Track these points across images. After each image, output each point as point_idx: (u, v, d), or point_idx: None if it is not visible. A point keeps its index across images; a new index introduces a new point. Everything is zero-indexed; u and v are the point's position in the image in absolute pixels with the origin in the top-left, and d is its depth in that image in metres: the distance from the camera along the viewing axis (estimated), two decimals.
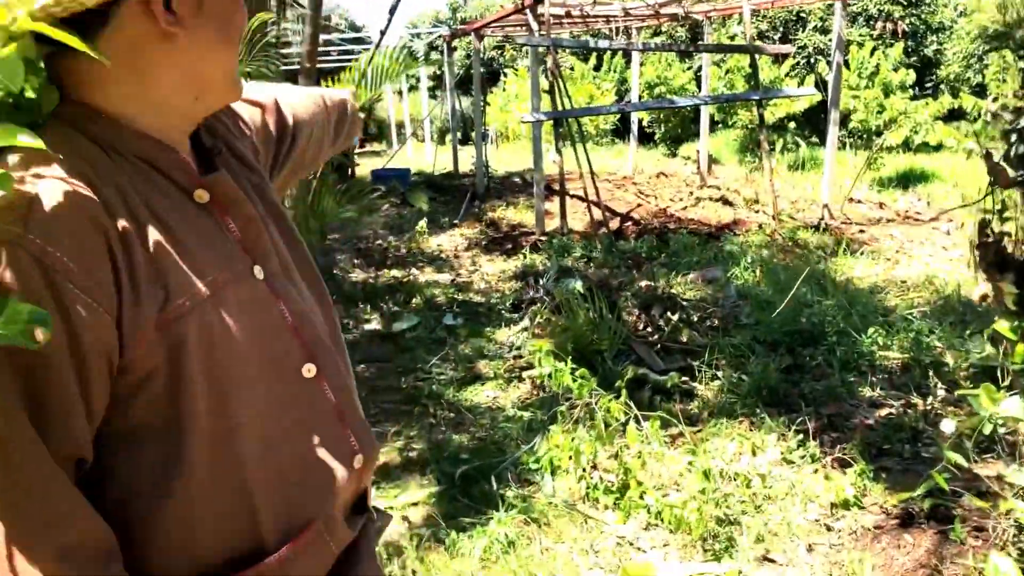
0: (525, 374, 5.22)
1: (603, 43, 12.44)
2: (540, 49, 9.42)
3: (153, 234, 0.97)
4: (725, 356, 5.35)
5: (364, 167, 16.26)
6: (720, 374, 5.10)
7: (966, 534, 3.25)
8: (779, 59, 17.27)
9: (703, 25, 13.87)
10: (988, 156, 3.80)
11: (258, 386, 1.04)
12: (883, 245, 8.66)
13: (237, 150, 1.22)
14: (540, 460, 3.87)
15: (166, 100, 1.04)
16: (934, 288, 6.73)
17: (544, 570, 3.14)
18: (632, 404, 4.12)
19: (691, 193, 12.60)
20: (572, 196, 10.98)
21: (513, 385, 5.16)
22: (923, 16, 18.81)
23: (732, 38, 19.46)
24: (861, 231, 9.45)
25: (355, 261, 8.57)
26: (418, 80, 24.45)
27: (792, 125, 17.95)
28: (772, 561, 3.29)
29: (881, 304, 6.33)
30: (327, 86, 4.94)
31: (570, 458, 3.84)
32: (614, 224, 10.27)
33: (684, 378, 5.01)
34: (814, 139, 17.70)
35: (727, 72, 19.05)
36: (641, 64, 21.26)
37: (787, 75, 18.02)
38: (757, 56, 10.76)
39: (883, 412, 4.67)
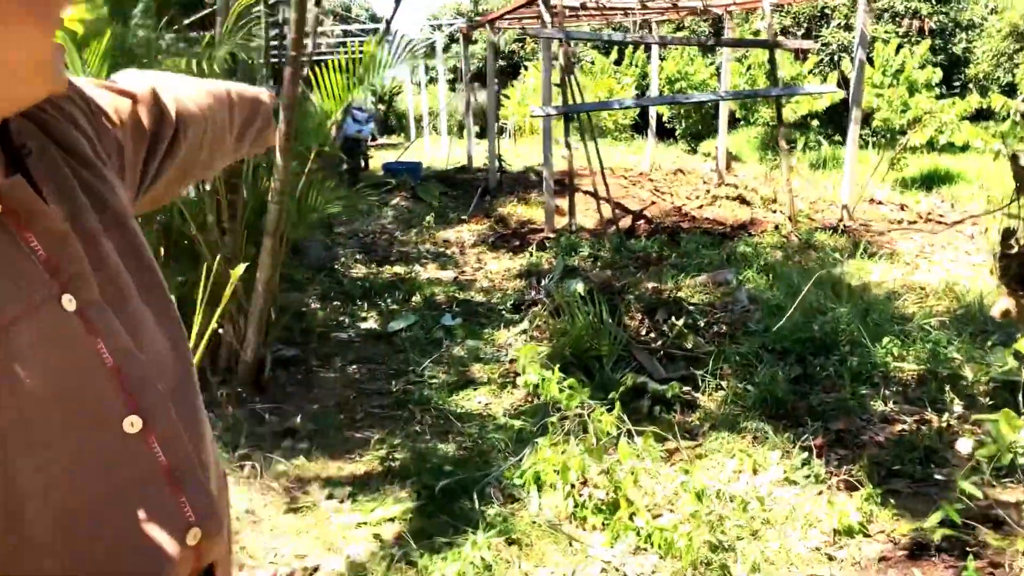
0: (519, 380, 5.00)
1: (616, 36, 12.16)
2: (552, 42, 9.18)
3: None
4: (731, 364, 5.11)
5: (381, 159, 16.11)
6: (724, 384, 4.86)
7: (981, 572, 3.00)
8: (801, 56, 16.90)
9: (724, 20, 13.55)
10: (1015, 159, 3.53)
11: (58, 446, 0.82)
12: (902, 248, 8.36)
13: (77, 150, 0.99)
14: (525, 475, 3.64)
15: None
16: (954, 296, 6.43)
17: None
18: (625, 417, 3.88)
19: (708, 191, 12.32)
20: (585, 192, 10.75)
21: (507, 391, 4.94)
22: (951, 13, 18.37)
23: (755, 33, 19.08)
24: (880, 234, 9.15)
25: (358, 256, 8.38)
26: (436, 72, 24.18)
27: (815, 123, 17.60)
28: None
29: (898, 312, 6.05)
30: (316, 76, 4.75)
31: (557, 472, 3.62)
32: (626, 222, 10.02)
33: (686, 388, 4.77)
34: (837, 137, 17.34)
35: (748, 68, 18.70)
36: (662, 59, 20.96)
37: (810, 72, 17.66)
38: (778, 52, 10.46)
39: (895, 428, 4.41)
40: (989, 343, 5.15)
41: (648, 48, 18.02)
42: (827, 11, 19.14)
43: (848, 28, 18.38)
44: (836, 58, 18.62)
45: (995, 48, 17.75)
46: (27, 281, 0.83)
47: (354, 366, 5.43)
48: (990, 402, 4.50)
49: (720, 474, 3.88)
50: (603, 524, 3.43)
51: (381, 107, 33.84)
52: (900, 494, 3.72)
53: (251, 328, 4.61)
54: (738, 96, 13.42)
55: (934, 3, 18.18)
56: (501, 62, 31.68)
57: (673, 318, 5.53)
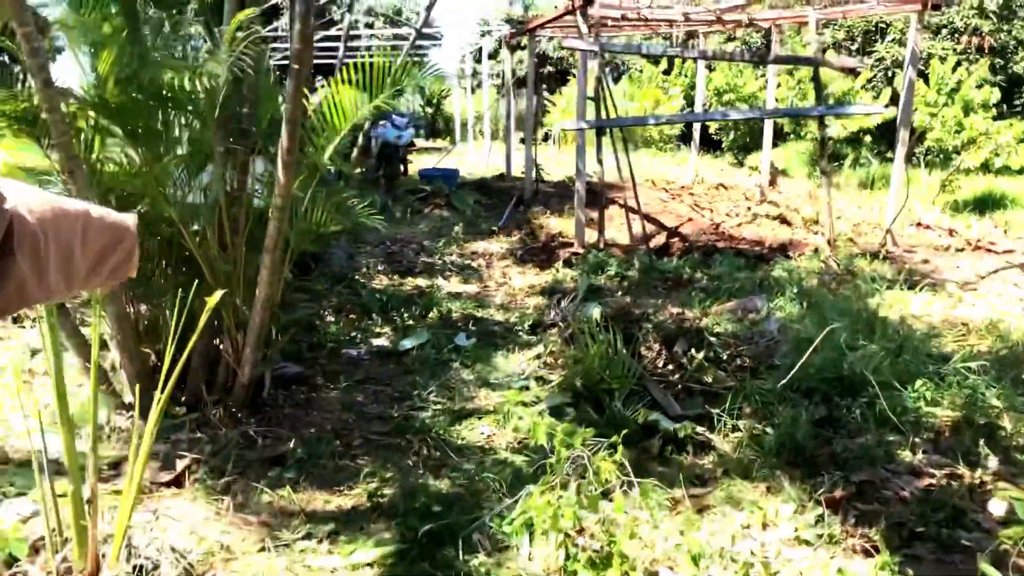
0: (528, 410, 4.78)
1: (655, 48, 11.82)
2: (588, 54, 8.95)
3: None
4: (751, 403, 4.83)
5: (424, 164, 16.02)
6: (742, 424, 4.59)
7: None
8: (852, 72, 16.42)
9: (772, 33, 13.19)
10: None
11: None
12: (947, 278, 7.96)
13: None
14: (515, 522, 3.42)
15: None
16: (998, 334, 6.07)
17: None
18: (627, 464, 3.64)
19: (748, 208, 11.98)
20: (622, 207, 10.49)
21: (512, 421, 4.72)
22: (1014, 31, 17.72)
23: (806, 47, 18.61)
24: (925, 261, 8.75)
25: (381, 266, 8.22)
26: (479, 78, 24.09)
27: (867, 139, 17.11)
28: None
29: (936, 351, 5.71)
30: (322, 87, 4.58)
31: (545, 521, 3.39)
32: (659, 239, 9.74)
33: (701, 428, 4.51)
34: (889, 155, 16.82)
35: (799, 82, 18.27)
36: (711, 70, 20.59)
37: (862, 87, 17.17)
38: (827, 69, 10.11)
39: (922, 482, 4.11)
40: None
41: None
42: (882, 25, 18.60)
43: (903, 43, 17.83)
44: (890, 74, 18.08)
45: None
46: None
47: (360, 386, 5.26)
48: None
49: (727, 528, 3.62)
50: None
51: (429, 110, 33.91)
52: (922, 561, 3.43)
53: (248, 346, 4.46)
54: (778, 114, 13.01)
55: (996, 20, 17.54)
56: (549, 68, 31.58)
57: (693, 350, 5.26)
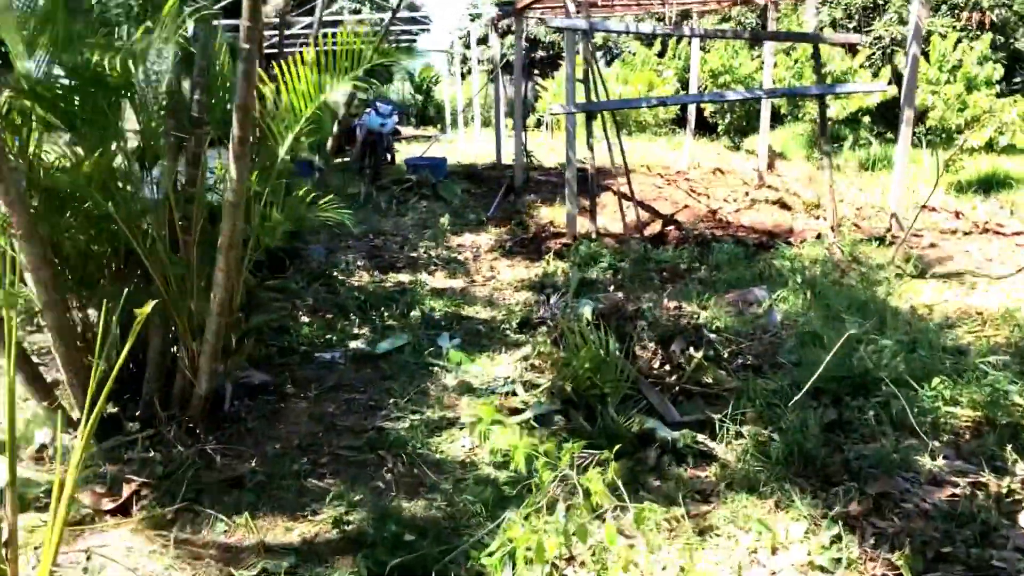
0: (513, 420, 4.40)
1: (644, 27, 11.37)
2: (576, 34, 8.52)
3: None
4: (755, 406, 4.45)
5: (413, 153, 15.58)
6: (746, 431, 4.21)
7: None
8: (851, 50, 15.99)
9: (768, 11, 12.76)
10: None
11: None
12: (957, 264, 7.58)
13: None
14: (495, 555, 3.05)
15: None
16: (1015, 323, 5.68)
17: None
18: (620, 484, 3.26)
19: (746, 194, 11.59)
20: (615, 194, 10.09)
21: (498, 431, 4.34)
22: (1015, 6, 17.27)
23: (802, 25, 18.17)
24: (932, 245, 8.37)
25: (360, 263, 7.82)
26: (470, 64, 23.61)
27: (866, 120, 16.67)
28: None
29: (951, 344, 5.33)
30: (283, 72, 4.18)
31: (528, 549, 3.02)
32: (655, 227, 9.36)
33: (701, 437, 4.13)
34: (889, 135, 16.41)
35: (796, 62, 17.82)
36: (706, 51, 20.13)
37: (861, 67, 16.72)
38: (826, 46, 9.70)
39: (945, 493, 3.74)
40: None
41: (693, 41, 17.21)
42: (880, 2, 18.15)
43: (902, 21, 17.41)
44: (889, 52, 17.65)
45: None
46: None
47: (332, 394, 4.87)
48: None
49: (733, 554, 3.26)
50: None
51: (419, 98, 33.43)
52: None
53: (203, 356, 4.07)
54: (777, 94, 12.59)
55: None
56: (541, 52, 31.07)
57: (691, 348, 4.88)
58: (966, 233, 9.11)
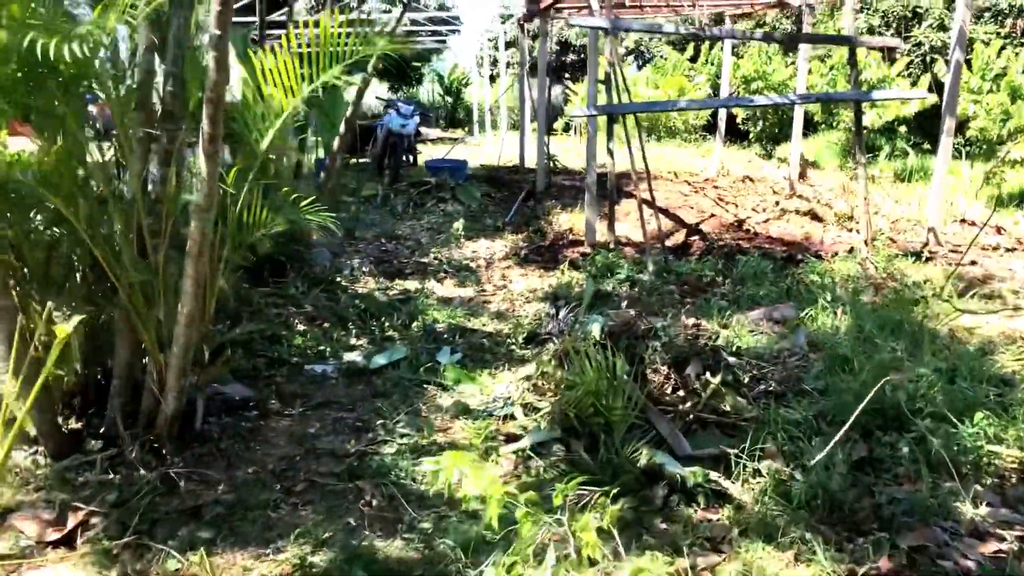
0: (509, 448, 4.02)
1: (668, 27, 10.90)
2: (600, 35, 8.14)
3: None
4: (776, 438, 4.03)
5: (438, 154, 15.25)
6: (764, 468, 3.79)
7: None
8: (889, 57, 15.45)
9: (803, 15, 12.28)
10: None
11: None
12: (999, 285, 7.09)
13: None
14: None
15: None
16: None
17: None
18: (617, 533, 2.87)
19: (776, 203, 11.12)
20: (638, 201, 9.69)
21: (491, 460, 3.97)
22: None
23: (838, 31, 17.65)
24: (973, 263, 7.88)
25: (367, 268, 7.47)
26: (500, 66, 23.29)
27: (902, 129, 16.13)
28: None
29: (995, 373, 4.88)
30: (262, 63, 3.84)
31: None
32: (678, 237, 8.94)
33: (715, 474, 3.72)
34: (926, 146, 15.87)
35: (831, 69, 17.34)
36: (739, 57, 19.65)
37: (899, 75, 16.18)
38: (863, 52, 9.23)
39: (988, 547, 3.31)
40: None
41: (726, 45, 16.74)
42: (919, 10, 17.57)
43: (943, 28, 16.83)
44: (928, 60, 17.07)
45: None
46: None
47: (318, 412, 4.52)
48: None
49: None
50: None
51: (449, 99, 33.16)
52: None
53: (171, 372, 3.73)
54: (809, 100, 12.10)
55: None
56: (572, 56, 30.69)
57: (708, 373, 4.48)
58: (1009, 250, 8.61)
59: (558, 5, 11.02)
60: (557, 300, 6.46)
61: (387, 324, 5.86)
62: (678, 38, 23.48)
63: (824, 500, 3.55)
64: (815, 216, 10.15)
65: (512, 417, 4.38)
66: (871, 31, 18.63)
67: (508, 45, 22.33)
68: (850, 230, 9.41)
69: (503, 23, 24.23)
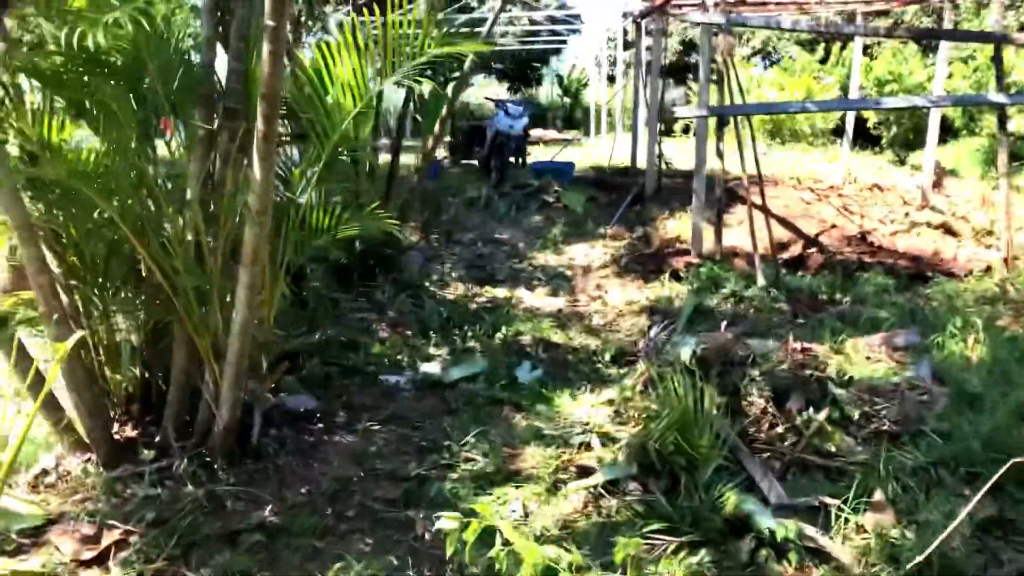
0: (580, 484, 3.66)
1: (786, 22, 10.18)
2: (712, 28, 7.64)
3: None
4: (887, 488, 3.53)
5: (549, 156, 14.93)
6: (870, 523, 3.30)
7: None
8: None
9: (944, 12, 11.36)
10: None
11: None
12: None
13: None
14: None
15: None
16: None
17: None
18: None
19: (906, 214, 10.28)
20: (752, 207, 9.12)
21: (560, 496, 3.61)
22: None
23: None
24: None
25: (457, 273, 7.22)
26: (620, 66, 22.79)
27: None
28: None
29: None
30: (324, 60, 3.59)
31: None
32: (795, 249, 8.34)
33: (811, 530, 3.25)
34: None
35: (975, 71, 16.12)
36: (872, 58, 18.56)
37: None
38: (1010, 51, 8.39)
39: None
40: None
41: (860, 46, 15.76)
42: None
43: None
44: None
45: None
46: None
47: (385, 427, 4.27)
48: None
49: None
50: None
51: (567, 100, 32.82)
52: None
53: (225, 382, 3.54)
54: (946, 103, 11.16)
55: None
56: (696, 57, 29.84)
57: (812, 408, 4.00)
58: None
59: (675, 1, 10.52)
60: (654, 315, 6.04)
61: (470, 334, 5.59)
62: (807, 38, 22.42)
63: (940, 567, 3.04)
64: (949, 230, 9.31)
65: (588, 447, 4.01)
66: (1023, 29, 17.25)
67: (628, 45, 21.80)
68: (988, 247, 8.56)
69: (624, 20, 23.72)
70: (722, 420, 3.73)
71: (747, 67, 22.54)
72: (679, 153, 15.27)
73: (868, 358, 5.16)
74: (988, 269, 7.47)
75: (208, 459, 3.64)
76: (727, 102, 7.24)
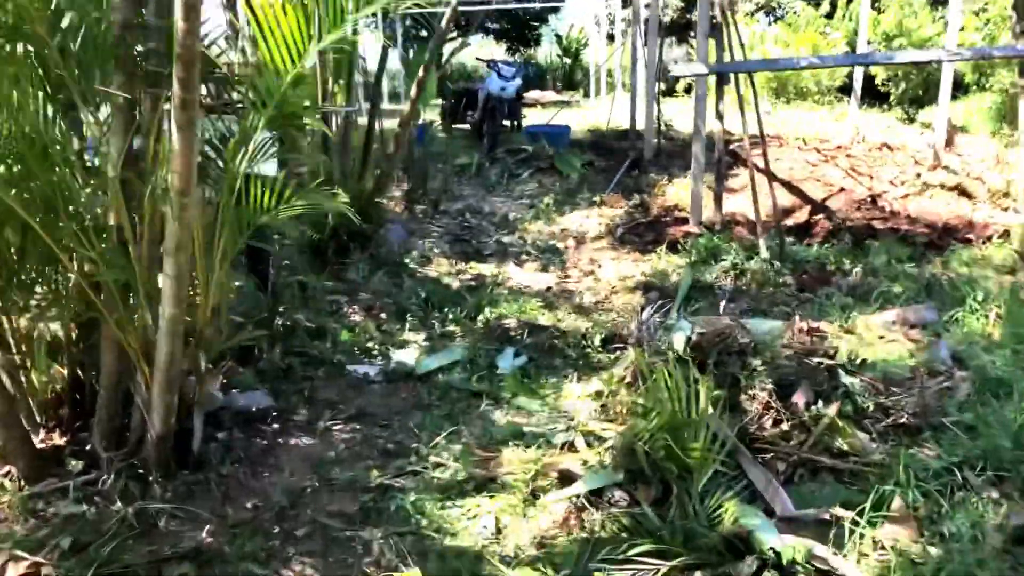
0: (560, 494, 3.25)
1: None
2: None
3: None
4: (908, 493, 3.12)
5: (543, 119, 14.40)
6: (888, 537, 2.90)
7: None
8: None
9: None
10: None
11: None
12: None
13: None
14: None
15: None
16: None
17: None
18: None
19: (918, 175, 9.78)
20: (754, 171, 8.63)
21: (539, 505, 3.21)
22: None
23: None
24: None
25: (440, 248, 6.77)
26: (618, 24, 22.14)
27: None
28: None
29: None
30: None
31: None
32: (800, 216, 7.88)
33: (821, 549, 2.84)
34: None
35: (987, 23, 15.47)
36: (879, 12, 17.88)
37: None
38: None
39: None
40: None
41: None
42: None
43: None
44: None
45: None
46: None
47: (348, 426, 3.87)
48: None
49: None
50: None
51: (567, 61, 32.10)
52: None
53: (156, 387, 3.13)
54: (961, 57, 10.60)
55: None
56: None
57: (821, 401, 3.58)
58: None
59: None
60: (648, 292, 5.60)
61: (450, 317, 5.17)
62: None
63: None
64: (963, 191, 8.81)
65: (572, 447, 3.60)
66: None
67: (626, 2, 21.13)
68: (1006, 209, 8.08)
69: None
70: (719, 418, 3.31)
71: (750, 23, 21.85)
72: (680, 114, 14.72)
73: (881, 338, 4.75)
74: (1006, 234, 7.01)
75: (142, 471, 3.23)
76: (727, 59, 6.74)
